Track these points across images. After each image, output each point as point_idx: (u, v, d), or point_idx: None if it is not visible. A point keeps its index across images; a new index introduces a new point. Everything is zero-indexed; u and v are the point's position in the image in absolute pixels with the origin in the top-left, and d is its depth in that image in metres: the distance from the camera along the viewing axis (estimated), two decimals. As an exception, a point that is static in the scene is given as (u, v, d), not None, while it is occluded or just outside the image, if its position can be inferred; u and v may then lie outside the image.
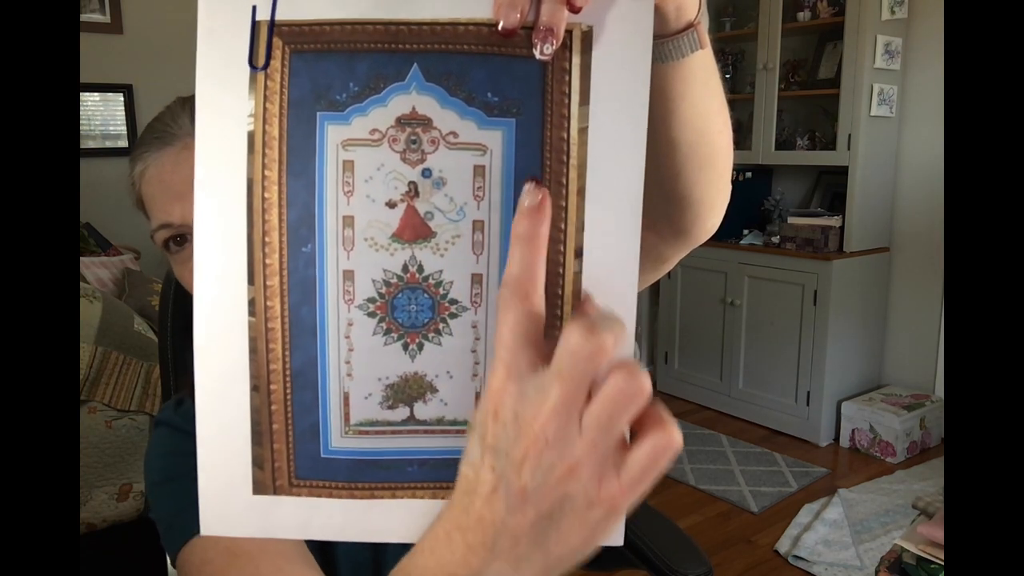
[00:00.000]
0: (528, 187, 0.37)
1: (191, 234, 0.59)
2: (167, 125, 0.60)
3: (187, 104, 0.61)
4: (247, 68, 0.37)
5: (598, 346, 0.32)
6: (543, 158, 0.38)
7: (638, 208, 0.38)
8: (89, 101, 3.23)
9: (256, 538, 0.58)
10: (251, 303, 0.38)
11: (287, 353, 0.39)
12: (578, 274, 0.38)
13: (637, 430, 0.34)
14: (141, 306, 2.39)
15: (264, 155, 0.37)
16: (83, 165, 2.77)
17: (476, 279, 0.39)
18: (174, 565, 0.63)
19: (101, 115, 3.28)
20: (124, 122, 3.31)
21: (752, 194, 3.50)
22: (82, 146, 3.19)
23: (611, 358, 0.33)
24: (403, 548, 0.39)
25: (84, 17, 3.13)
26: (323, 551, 0.70)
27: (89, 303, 1.88)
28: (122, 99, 3.29)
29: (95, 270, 2.74)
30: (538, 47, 0.36)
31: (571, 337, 0.33)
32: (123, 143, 3.31)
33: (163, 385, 1.01)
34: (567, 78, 0.37)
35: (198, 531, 0.60)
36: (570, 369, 0.32)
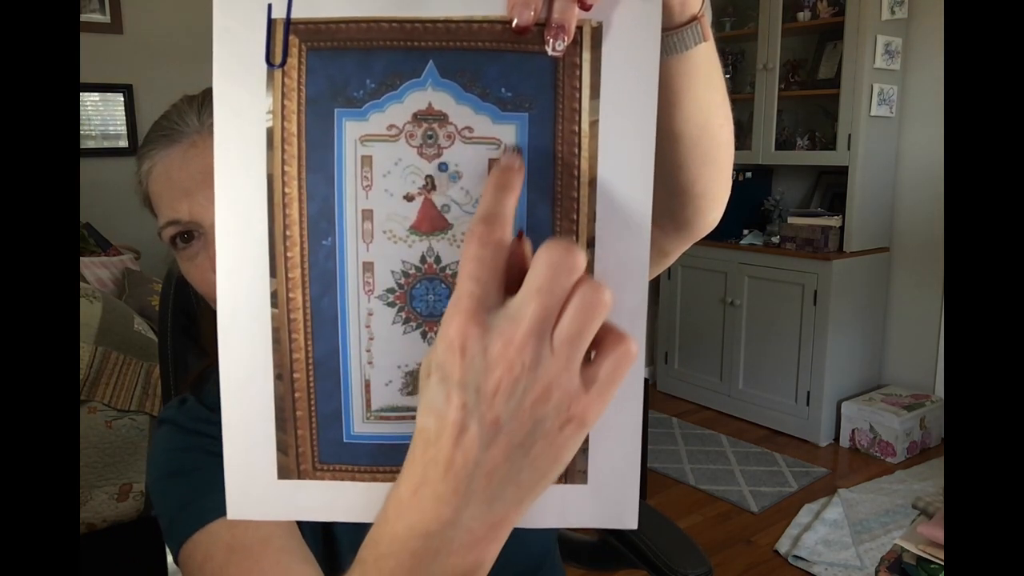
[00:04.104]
0: (505, 149, 0.38)
1: (198, 231, 0.60)
2: (174, 123, 0.61)
3: (194, 102, 0.61)
4: (264, 65, 0.38)
5: (576, 260, 0.33)
6: (555, 150, 0.39)
7: (648, 197, 0.39)
8: (89, 101, 3.23)
9: (257, 534, 0.58)
10: (274, 295, 0.40)
11: (309, 343, 0.40)
12: (590, 263, 0.40)
13: (596, 345, 0.35)
14: (141, 306, 2.39)
15: (283, 151, 0.38)
16: (83, 165, 2.77)
17: None
18: (176, 562, 0.63)
19: (101, 115, 3.28)
20: (124, 122, 3.31)
21: (752, 194, 3.50)
22: (82, 146, 3.19)
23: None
24: None
25: (84, 17, 3.13)
26: (326, 538, 0.70)
27: (89, 303, 1.88)
28: (122, 99, 3.29)
29: (95, 270, 2.74)
30: (550, 43, 0.37)
31: (551, 252, 0.33)
32: (123, 143, 3.31)
33: (163, 385, 1.01)
34: (578, 73, 0.38)
35: (200, 526, 0.60)
36: (550, 283, 0.33)
